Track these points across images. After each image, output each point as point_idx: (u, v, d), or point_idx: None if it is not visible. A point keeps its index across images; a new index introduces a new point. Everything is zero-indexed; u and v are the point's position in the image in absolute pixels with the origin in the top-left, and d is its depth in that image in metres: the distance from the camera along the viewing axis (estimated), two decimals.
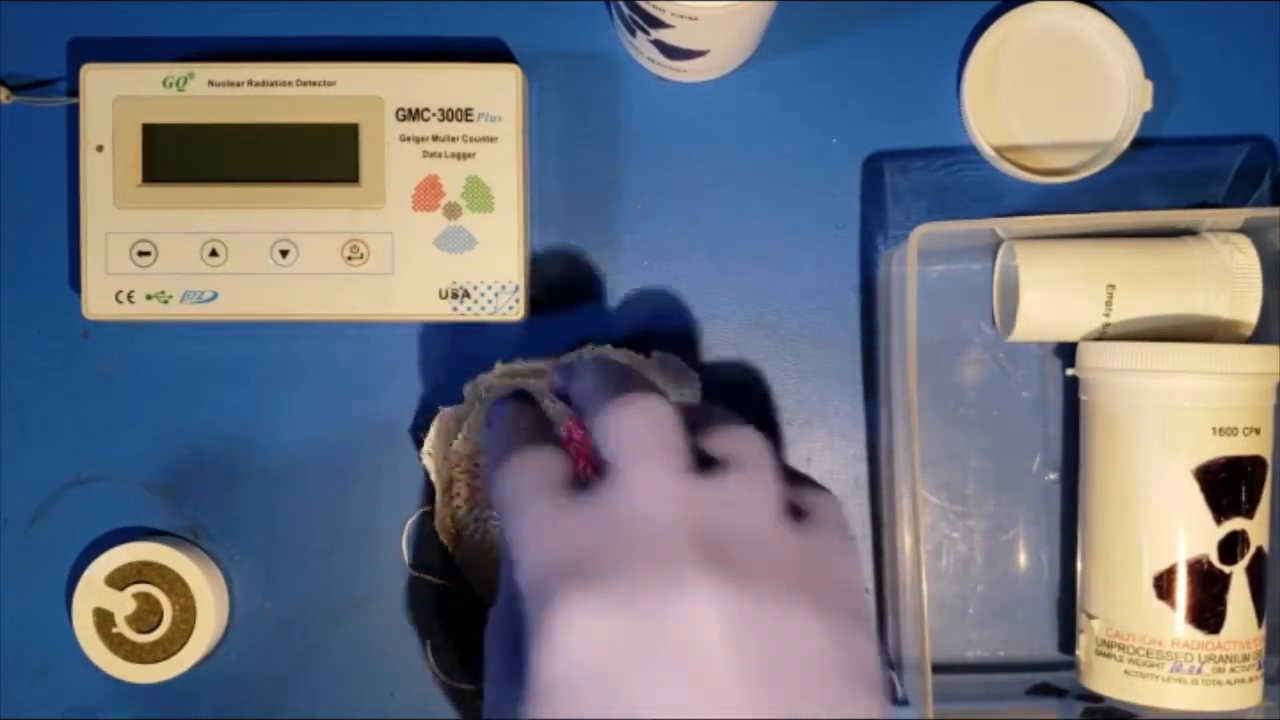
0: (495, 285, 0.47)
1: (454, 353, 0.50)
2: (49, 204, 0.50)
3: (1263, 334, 0.47)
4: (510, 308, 0.47)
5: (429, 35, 0.50)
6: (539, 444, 0.35)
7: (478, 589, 0.49)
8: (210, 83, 0.47)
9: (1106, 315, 0.47)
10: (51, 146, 0.50)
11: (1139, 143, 0.49)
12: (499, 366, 0.48)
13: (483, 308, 0.47)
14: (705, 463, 0.34)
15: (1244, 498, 0.45)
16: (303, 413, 0.50)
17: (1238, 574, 0.45)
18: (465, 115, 0.47)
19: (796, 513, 0.34)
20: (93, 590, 0.49)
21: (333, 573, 0.50)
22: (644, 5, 0.43)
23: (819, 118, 0.50)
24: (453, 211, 0.47)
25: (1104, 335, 0.47)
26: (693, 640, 0.30)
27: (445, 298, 0.47)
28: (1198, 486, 0.45)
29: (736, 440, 0.35)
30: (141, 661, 0.49)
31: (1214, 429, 0.44)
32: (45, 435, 0.50)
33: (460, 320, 0.48)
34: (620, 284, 0.50)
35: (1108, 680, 0.46)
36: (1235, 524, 0.45)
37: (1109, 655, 0.46)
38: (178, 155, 0.47)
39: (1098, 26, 0.49)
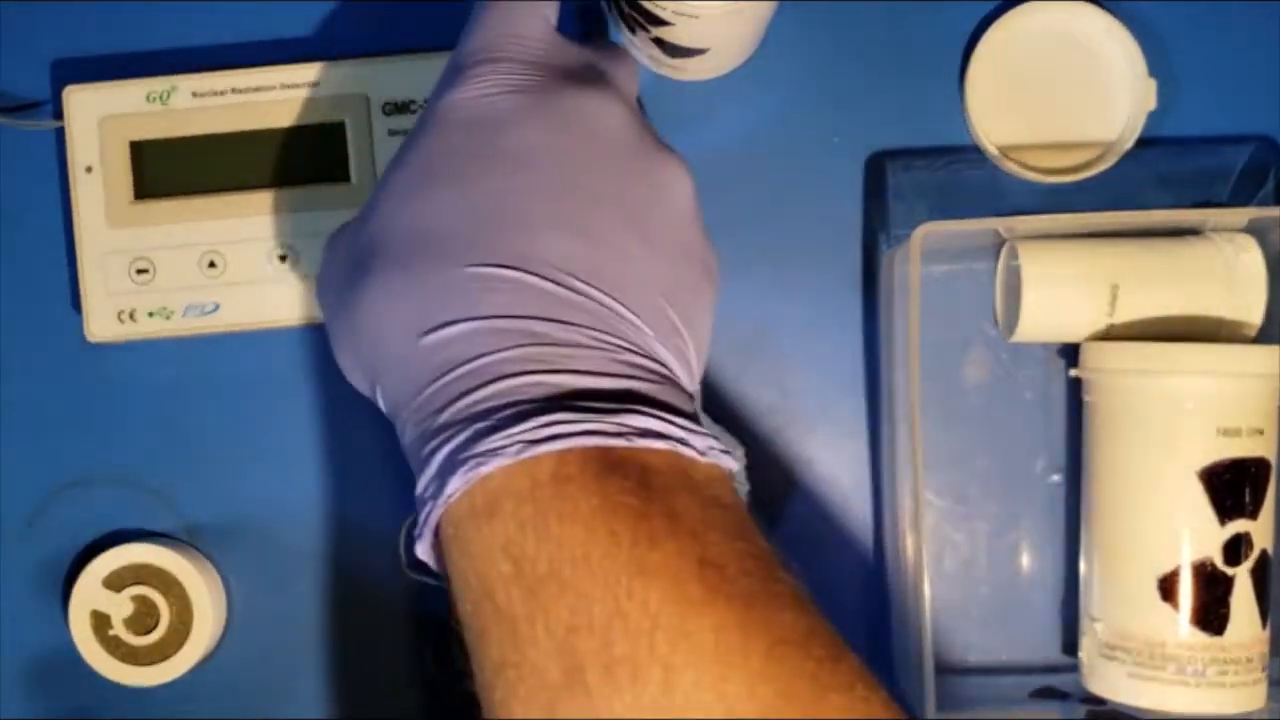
0: None
1: None
2: (46, 223, 0.50)
3: (1267, 334, 0.47)
4: None
5: (416, 33, 0.50)
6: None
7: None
8: (194, 94, 0.47)
9: (1110, 315, 0.47)
10: (44, 168, 0.50)
11: (1143, 142, 0.49)
12: None
13: None
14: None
15: (1248, 499, 0.45)
16: (300, 413, 0.50)
17: (1242, 576, 0.45)
18: None
19: None
20: (90, 592, 0.48)
21: (330, 575, 0.50)
22: (644, 3, 0.42)
23: (820, 116, 0.50)
24: None
25: (1107, 335, 0.47)
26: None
27: None
28: (1202, 488, 0.44)
29: (605, 48, 0.42)
30: (139, 664, 0.49)
31: (1218, 430, 0.44)
32: (42, 437, 0.50)
33: None
34: None
35: (1111, 683, 0.46)
36: (1239, 526, 0.44)
37: (1112, 658, 0.46)
38: (167, 170, 0.47)
39: (1101, 25, 0.49)
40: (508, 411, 0.32)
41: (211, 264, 0.47)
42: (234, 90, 0.47)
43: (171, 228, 0.47)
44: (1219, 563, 0.44)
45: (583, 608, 0.29)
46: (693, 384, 0.37)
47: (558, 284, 0.33)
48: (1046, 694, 0.50)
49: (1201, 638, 0.44)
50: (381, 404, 0.36)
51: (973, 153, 0.50)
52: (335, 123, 0.47)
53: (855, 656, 0.31)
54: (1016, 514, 0.50)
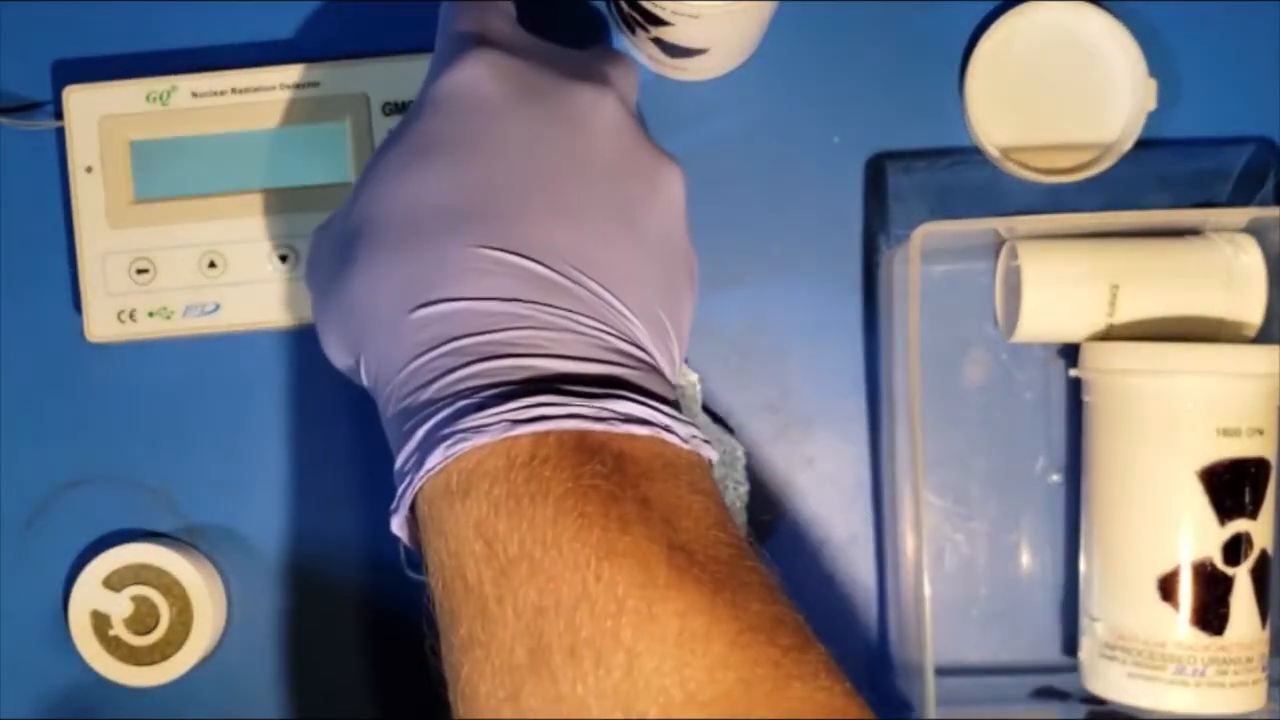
0: None
1: None
2: (46, 223, 0.50)
3: (1266, 334, 0.47)
4: None
5: (416, 33, 0.50)
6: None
7: None
8: (193, 94, 0.47)
9: (1110, 315, 0.47)
10: (44, 168, 0.50)
11: (1142, 142, 0.49)
12: None
13: None
14: None
15: (1248, 499, 0.45)
16: (300, 413, 0.50)
17: (1241, 576, 0.45)
18: None
19: None
20: (90, 592, 0.48)
21: (330, 575, 0.50)
22: (644, 3, 0.42)
23: (820, 117, 0.50)
24: None
25: (1107, 336, 0.47)
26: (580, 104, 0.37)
27: None
28: (1201, 488, 0.44)
29: (602, 51, 0.42)
30: (139, 664, 0.49)
31: (1218, 430, 0.44)
32: (42, 437, 0.50)
33: None
34: None
35: (1111, 683, 0.46)
36: (1239, 525, 0.44)
37: (1112, 657, 0.46)
38: (167, 170, 0.47)
39: (1101, 25, 0.49)
40: (492, 391, 0.32)
41: (211, 264, 0.47)
42: (234, 90, 0.47)
43: (171, 228, 0.47)
44: (1219, 562, 0.44)
45: (551, 589, 0.29)
46: (674, 379, 0.37)
47: (548, 268, 0.33)
48: (1046, 694, 0.50)
49: (1201, 637, 0.44)
50: (364, 378, 0.36)
51: (973, 153, 0.50)
52: (335, 123, 0.47)
53: (822, 647, 0.31)
54: (1016, 514, 0.50)
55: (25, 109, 0.50)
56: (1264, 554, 0.45)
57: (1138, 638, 0.45)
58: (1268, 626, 0.45)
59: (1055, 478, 0.50)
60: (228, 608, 0.50)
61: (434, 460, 0.31)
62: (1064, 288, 0.47)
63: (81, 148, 0.47)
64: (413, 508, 0.33)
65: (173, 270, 0.47)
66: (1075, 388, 0.49)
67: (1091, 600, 0.47)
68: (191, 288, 0.47)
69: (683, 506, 0.31)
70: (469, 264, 0.33)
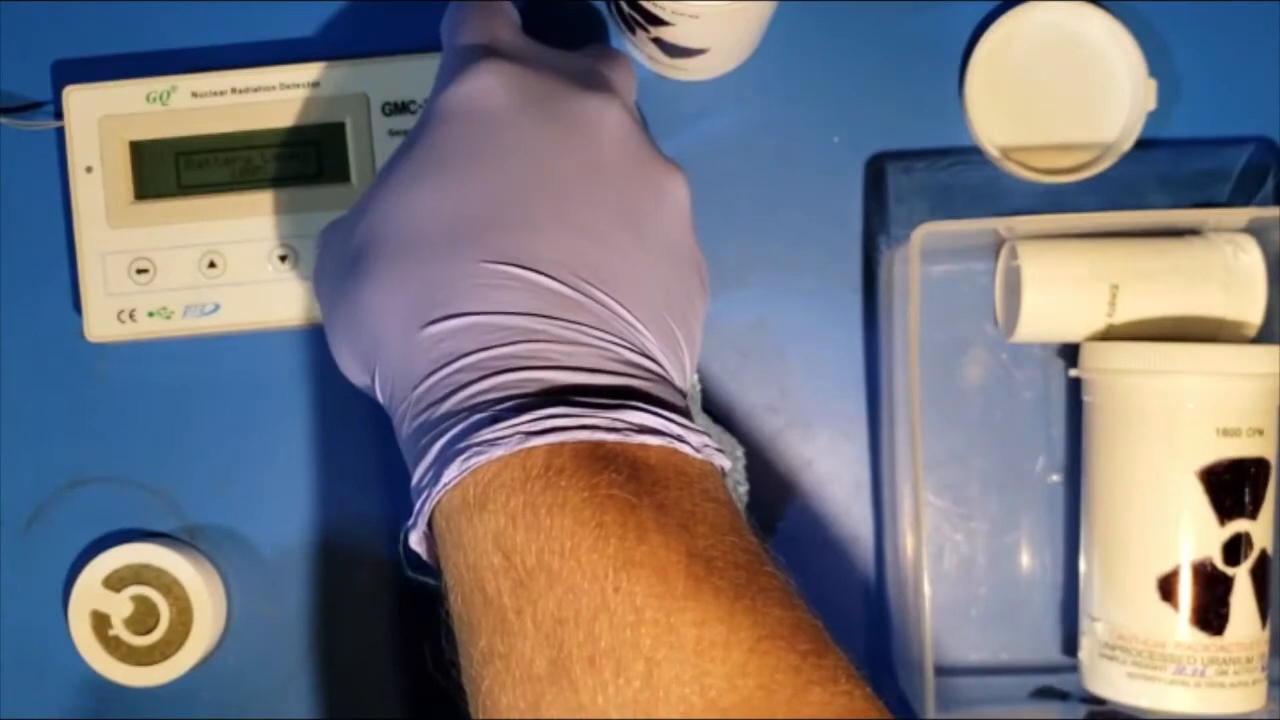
0: None
1: None
2: (46, 223, 0.50)
3: (1266, 334, 0.47)
4: None
5: (416, 33, 0.50)
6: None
7: None
8: (193, 94, 0.47)
9: (1110, 315, 0.47)
10: (44, 168, 0.50)
11: (1142, 142, 0.49)
12: None
13: None
14: None
15: (1248, 499, 0.45)
16: (300, 414, 0.50)
17: (1241, 576, 0.45)
18: None
19: None
20: (90, 592, 0.48)
21: (330, 575, 0.50)
22: (644, 3, 0.42)
23: (820, 117, 0.50)
24: None
25: (1107, 336, 0.47)
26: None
27: None
28: (1201, 488, 0.44)
29: (600, 50, 0.42)
30: (139, 664, 0.49)
31: (1217, 430, 0.44)
32: (42, 437, 0.50)
33: None
34: None
35: (1111, 683, 0.46)
36: (1239, 526, 0.44)
37: (1112, 658, 0.46)
38: (167, 170, 0.47)
39: (1101, 25, 0.49)
40: (505, 405, 0.32)
41: (211, 264, 0.47)
42: (234, 90, 0.47)
43: (171, 228, 0.47)
44: (1219, 563, 0.44)
45: (570, 600, 0.29)
46: (685, 387, 0.37)
47: (558, 281, 0.33)
48: (1046, 694, 0.50)
49: (1201, 638, 0.44)
50: (379, 394, 0.36)
51: (973, 153, 0.50)
52: (335, 123, 0.47)
53: (841, 651, 0.31)
54: (1016, 514, 0.50)
55: (25, 109, 0.50)
56: (1264, 554, 0.45)
57: (1137, 638, 0.45)
58: (1268, 626, 0.45)
59: (1055, 478, 0.50)
60: (228, 608, 0.50)
61: (450, 474, 0.31)
62: (1064, 288, 0.47)
63: (81, 147, 0.47)
64: (430, 522, 0.33)
65: (173, 270, 0.47)
66: (1075, 388, 0.49)
67: (1091, 600, 0.47)
68: (191, 288, 0.47)
69: (699, 514, 0.31)
70: (480, 279, 0.33)
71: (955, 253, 0.50)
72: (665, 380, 0.35)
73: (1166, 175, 0.49)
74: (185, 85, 0.47)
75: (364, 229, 0.35)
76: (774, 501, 0.50)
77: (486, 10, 0.40)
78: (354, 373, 0.37)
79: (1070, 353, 0.49)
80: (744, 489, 0.50)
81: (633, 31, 0.47)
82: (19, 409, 0.50)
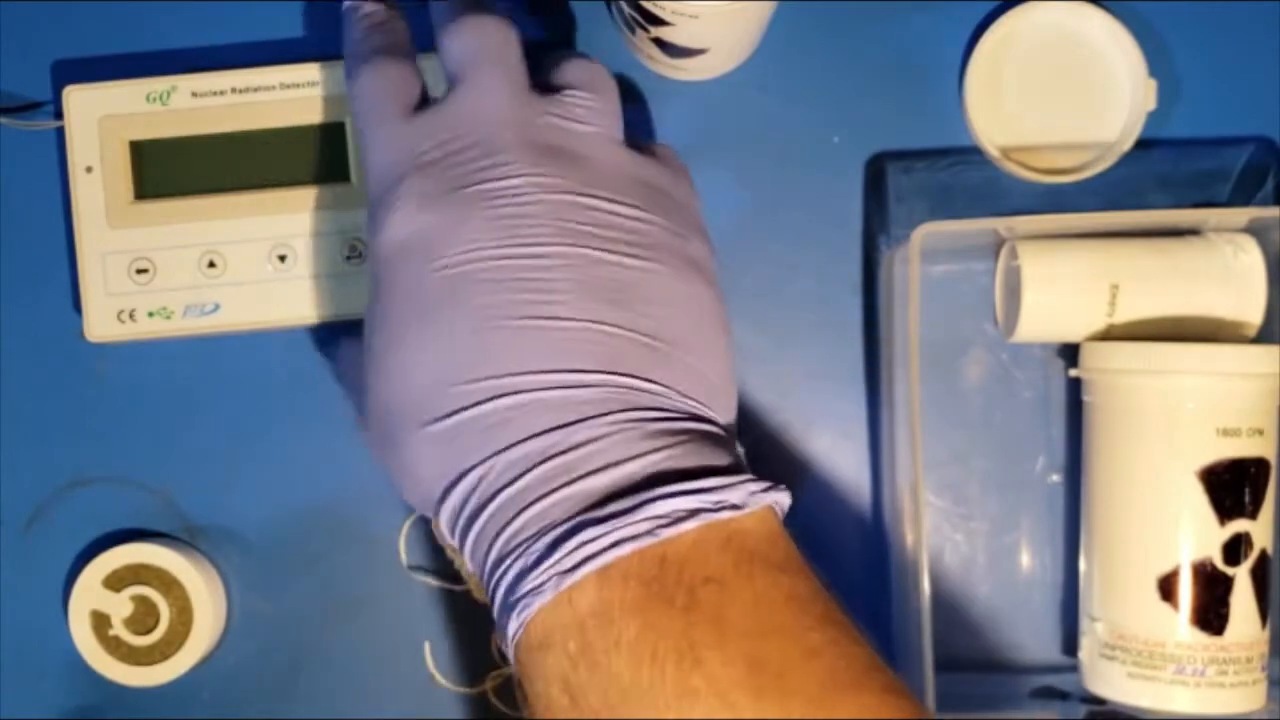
0: None
1: None
2: (46, 223, 0.50)
3: (1267, 334, 0.47)
4: None
5: (417, 34, 0.50)
6: (392, 59, 0.39)
7: (477, 592, 0.49)
8: (193, 94, 0.47)
9: (1110, 315, 0.47)
10: (44, 168, 0.50)
11: (1142, 142, 0.49)
12: None
13: None
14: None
15: (1247, 499, 0.45)
16: (300, 413, 0.50)
17: (1241, 576, 0.45)
18: None
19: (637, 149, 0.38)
20: (89, 592, 0.48)
21: (330, 575, 0.50)
22: (644, 3, 0.42)
23: (820, 117, 0.50)
24: None
25: (1107, 335, 0.47)
26: (508, 197, 0.35)
27: None
28: (1201, 488, 0.44)
29: (584, 70, 0.38)
30: (138, 664, 0.48)
31: (1217, 430, 0.44)
32: (42, 437, 0.50)
33: None
34: None
35: (1111, 682, 0.46)
36: (1239, 526, 0.44)
37: (1112, 657, 0.46)
38: (167, 170, 0.47)
39: (1101, 25, 0.49)
40: (541, 540, 0.32)
41: (211, 264, 0.47)
42: (234, 90, 0.47)
43: (171, 228, 0.47)
44: (1219, 562, 0.44)
45: None
46: (729, 413, 0.36)
47: (560, 388, 0.33)
48: (1046, 694, 0.50)
49: (1201, 637, 0.44)
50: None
51: (973, 153, 0.49)
52: (335, 123, 0.47)
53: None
54: (1016, 514, 0.50)
55: (25, 109, 0.50)
56: (1264, 554, 0.45)
57: (1137, 638, 0.45)
58: (1268, 626, 0.45)
59: (1055, 478, 0.50)
60: (228, 608, 0.50)
61: (513, 628, 0.32)
62: (1064, 288, 0.47)
63: (81, 147, 0.47)
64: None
65: (172, 270, 0.47)
66: (1075, 388, 0.49)
67: (1091, 600, 0.47)
68: (191, 288, 0.47)
69: (760, 601, 0.31)
70: (484, 421, 0.33)
71: (955, 253, 0.50)
72: (699, 432, 0.34)
73: (1166, 175, 0.49)
74: (185, 85, 0.47)
75: (374, 402, 0.36)
76: None
77: (392, 78, 0.39)
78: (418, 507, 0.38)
79: (1070, 353, 0.49)
80: None
81: (633, 31, 0.47)
82: (19, 409, 0.50)
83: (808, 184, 0.50)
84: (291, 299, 0.47)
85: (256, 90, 0.47)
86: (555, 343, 0.33)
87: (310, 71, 0.47)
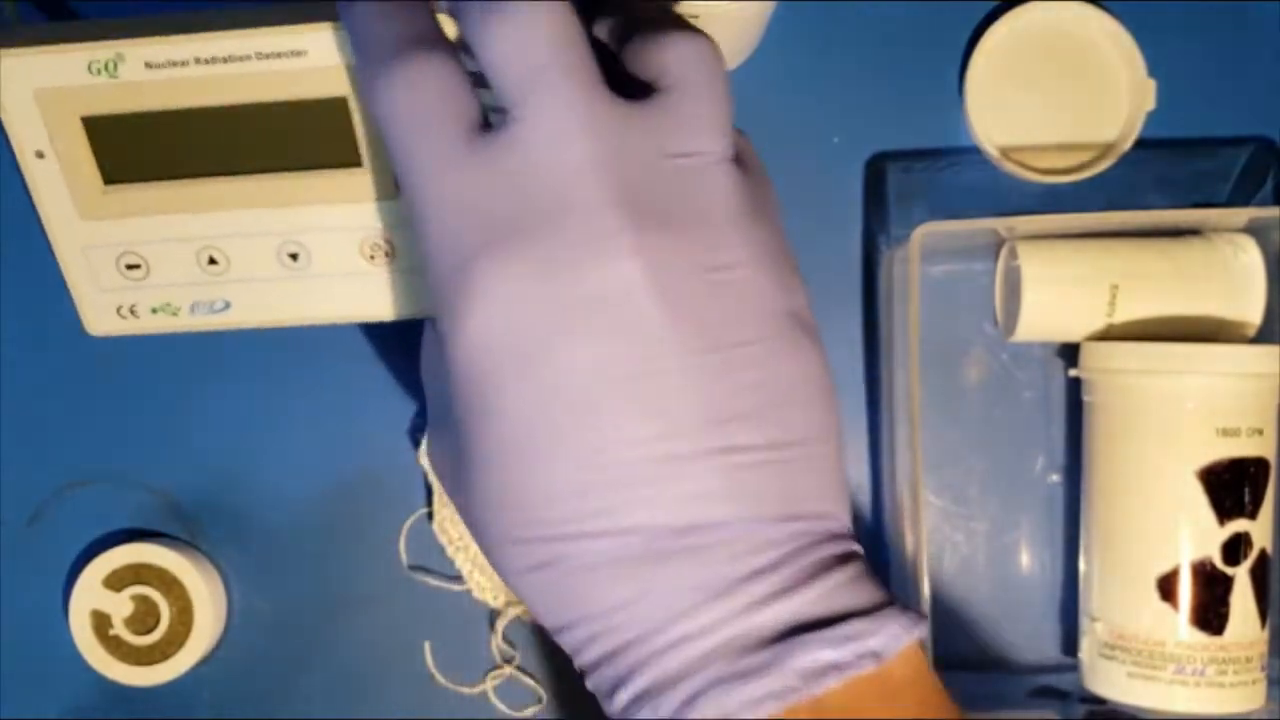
0: None
1: None
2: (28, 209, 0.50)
3: (1266, 334, 0.47)
4: None
5: None
6: (432, 55, 0.29)
7: (477, 592, 0.49)
8: (147, 64, 0.38)
9: (1109, 315, 0.47)
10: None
11: (1142, 142, 0.49)
12: None
13: None
14: (635, 87, 0.29)
15: (1247, 499, 0.45)
16: (300, 413, 0.50)
17: (1241, 575, 0.45)
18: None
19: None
20: (90, 592, 0.48)
21: (331, 574, 0.50)
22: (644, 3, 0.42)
23: (820, 117, 0.50)
24: None
25: (1107, 335, 0.47)
26: (616, 295, 0.28)
27: None
28: (1201, 488, 0.44)
29: (686, 54, 0.30)
30: (139, 664, 0.49)
31: (1217, 430, 0.44)
32: (43, 436, 0.50)
33: None
34: None
35: (1110, 682, 0.46)
36: (1238, 525, 0.44)
37: (1112, 657, 0.46)
38: (137, 152, 0.39)
39: (1101, 25, 0.49)
40: (671, 696, 0.28)
41: (212, 260, 0.41)
42: (197, 60, 0.38)
43: (157, 219, 0.40)
44: (1218, 562, 0.44)
45: None
46: (847, 497, 0.32)
47: (683, 532, 0.29)
48: (1046, 694, 0.50)
49: (1201, 637, 0.44)
50: None
51: (973, 153, 0.50)
52: (335, 98, 0.38)
53: None
54: (1016, 514, 0.50)
55: None
56: (1263, 554, 0.45)
57: (1137, 637, 0.45)
58: (1267, 626, 0.45)
59: (1055, 477, 0.50)
60: (228, 608, 0.50)
61: None
62: (1064, 288, 0.47)
63: (24, 128, 0.39)
64: None
65: (169, 266, 0.41)
66: (1075, 388, 0.49)
67: (1091, 600, 0.47)
68: (194, 284, 0.41)
69: None
70: (596, 569, 0.29)
71: (955, 253, 0.50)
72: (833, 552, 0.30)
73: (1166, 175, 0.49)
74: (135, 53, 0.38)
75: (472, 517, 0.31)
76: None
77: (436, 84, 0.29)
78: None
79: (1070, 352, 0.49)
80: None
81: None
82: (19, 409, 0.50)
83: (808, 184, 0.50)
84: (308, 299, 0.41)
85: (227, 60, 0.38)
86: (676, 480, 0.28)
87: (294, 38, 0.37)
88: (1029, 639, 0.50)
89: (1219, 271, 0.46)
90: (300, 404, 0.50)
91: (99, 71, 0.38)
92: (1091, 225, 0.47)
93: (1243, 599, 0.45)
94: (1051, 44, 0.50)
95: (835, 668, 0.28)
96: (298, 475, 0.50)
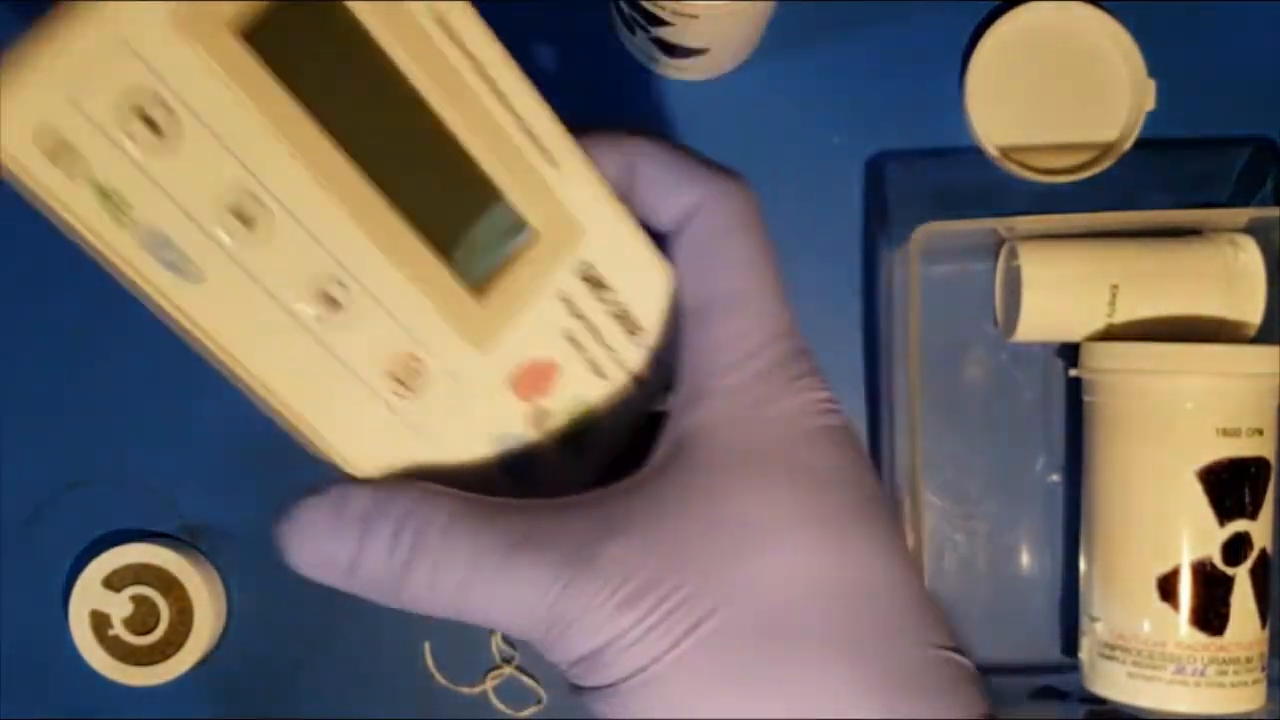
0: None
1: None
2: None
3: (1266, 334, 0.47)
4: None
5: None
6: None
7: None
8: None
9: (1110, 315, 0.47)
10: None
11: (1142, 143, 0.49)
12: None
13: None
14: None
15: (1247, 499, 0.45)
16: None
17: (1241, 576, 0.45)
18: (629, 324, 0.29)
19: None
20: (89, 592, 0.48)
21: None
22: (644, 3, 0.42)
23: (820, 117, 0.50)
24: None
25: (1107, 335, 0.47)
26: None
27: None
28: (1201, 488, 0.44)
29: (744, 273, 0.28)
30: (138, 664, 0.48)
31: (1217, 430, 0.44)
32: (42, 437, 0.50)
33: None
34: None
35: (1111, 682, 0.46)
36: (1239, 525, 0.44)
37: (1112, 657, 0.46)
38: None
39: (1101, 25, 0.49)
40: None
41: (242, 216, 0.24)
42: None
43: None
44: (1219, 562, 0.44)
45: None
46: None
47: None
48: (1046, 694, 0.50)
49: (1201, 637, 0.44)
50: None
51: (973, 153, 0.50)
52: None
53: None
54: (1016, 514, 0.50)
55: None
56: (1264, 554, 0.45)
57: (1138, 638, 0.45)
58: (1267, 626, 0.45)
59: (1055, 477, 0.50)
60: (227, 608, 0.50)
61: None
62: (1064, 288, 0.47)
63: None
64: None
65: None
66: (1075, 388, 0.49)
67: (1091, 600, 0.47)
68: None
69: None
70: None
71: (955, 253, 0.50)
72: None
73: (1166, 175, 0.49)
74: None
75: None
76: None
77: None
78: None
79: (1070, 353, 0.49)
80: None
81: (633, 31, 0.47)
82: (19, 409, 0.50)
83: (808, 184, 0.50)
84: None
85: None
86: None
87: None
88: (1029, 639, 0.50)
89: (1219, 271, 0.46)
90: None
91: None
92: (1092, 225, 0.47)
93: (1243, 599, 0.45)
94: (1052, 44, 0.49)
95: None
96: (298, 476, 0.50)
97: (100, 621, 0.48)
